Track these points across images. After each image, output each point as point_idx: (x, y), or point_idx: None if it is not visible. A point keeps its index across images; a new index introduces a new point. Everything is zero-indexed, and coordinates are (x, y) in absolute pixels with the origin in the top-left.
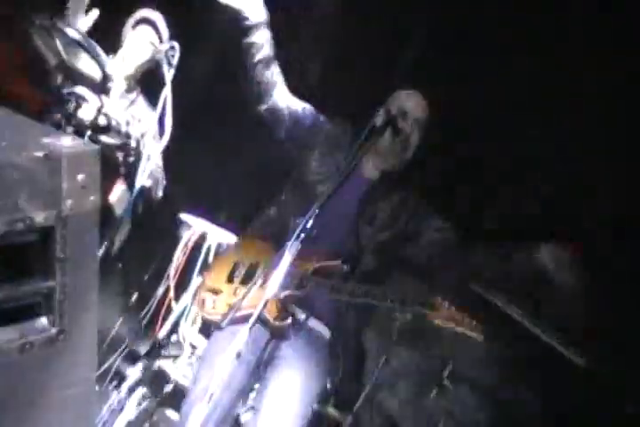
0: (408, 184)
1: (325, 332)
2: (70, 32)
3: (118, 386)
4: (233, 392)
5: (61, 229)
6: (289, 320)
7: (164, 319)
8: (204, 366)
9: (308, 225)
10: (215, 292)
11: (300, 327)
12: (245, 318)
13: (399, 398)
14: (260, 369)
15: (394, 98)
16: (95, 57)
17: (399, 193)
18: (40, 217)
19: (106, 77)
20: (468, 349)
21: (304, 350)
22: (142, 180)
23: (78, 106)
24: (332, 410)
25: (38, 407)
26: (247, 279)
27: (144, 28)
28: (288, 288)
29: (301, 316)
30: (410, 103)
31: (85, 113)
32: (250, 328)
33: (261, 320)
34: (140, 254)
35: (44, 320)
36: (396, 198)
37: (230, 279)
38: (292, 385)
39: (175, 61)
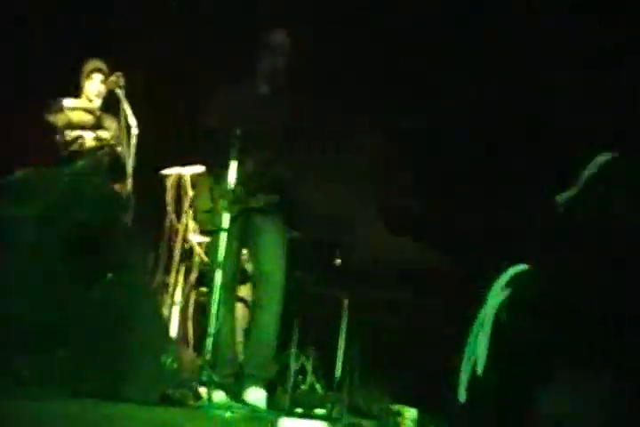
0: None
1: (279, 200)
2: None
3: (166, 290)
4: (233, 256)
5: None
6: (262, 201)
7: (176, 237)
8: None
9: None
10: (209, 211)
11: (265, 204)
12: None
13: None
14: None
15: None
16: (86, 111)
17: None
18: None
19: (96, 119)
20: None
21: (270, 216)
22: (130, 164)
23: (83, 141)
24: None
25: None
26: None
27: (96, 76)
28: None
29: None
30: None
31: (89, 142)
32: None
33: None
34: (148, 209)
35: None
36: None
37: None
38: (271, 238)
39: (123, 83)
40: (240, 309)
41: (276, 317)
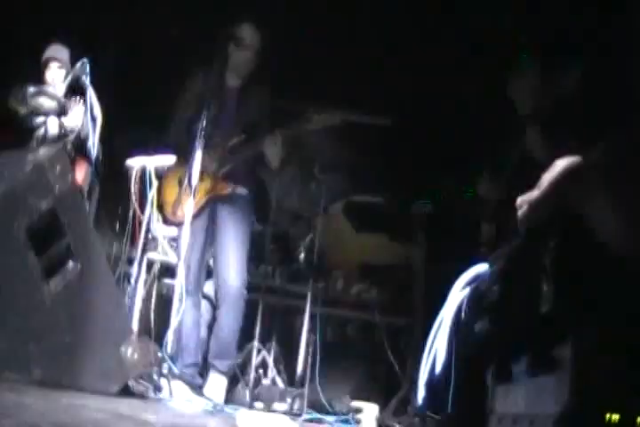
0: None
1: (245, 192)
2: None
3: (129, 281)
4: (198, 250)
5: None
6: (229, 189)
7: (140, 228)
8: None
9: None
10: (175, 201)
11: (232, 193)
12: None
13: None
14: (211, 230)
15: None
16: (50, 97)
17: None
18: (43, 204)
19: (61, 105)
20: None
21: (236, 209)
22: (94, 152)
23: (46, 128)
24: None
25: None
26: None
27: (53, 64)
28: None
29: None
30: None
31: (52, 129)
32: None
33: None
34: (112, 199)
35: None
36: None
37: (180, 188)
38: (235, 232)
39: (88, 70)
40: (204, 304)
41: (237, 316)
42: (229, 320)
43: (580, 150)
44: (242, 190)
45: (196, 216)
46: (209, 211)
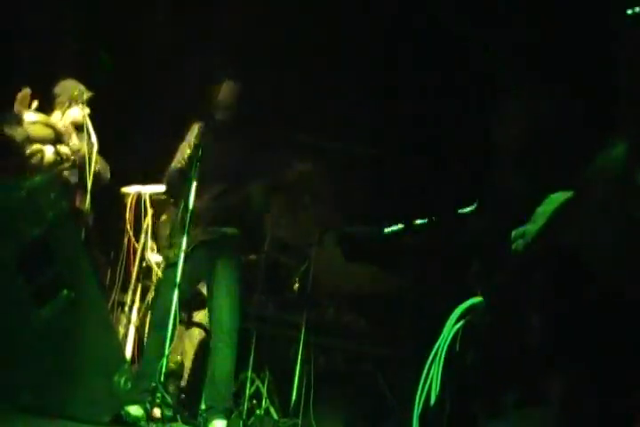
0: None
1: (235, 231)
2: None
3: (122, 309)
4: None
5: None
6: (217, 232)
7: (134, 257)
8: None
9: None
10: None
11: (220, 236)
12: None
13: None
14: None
15: None
16: (46, 125)
17: None
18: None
19: (57, 133)
20: None
21: (226, 251)
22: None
23: (42, 156)
24: None
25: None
26: None
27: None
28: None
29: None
30: None
31: (48, 156)
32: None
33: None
34: (106, 225)
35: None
36: None
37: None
38: (226, 274)
39: (85, 99)
40: (197, 332)
41: (232, 356)
42: (224, 358)
43: (569, 183)
44: (231, 231)
45: (185, 259)
46: (198, 253)
